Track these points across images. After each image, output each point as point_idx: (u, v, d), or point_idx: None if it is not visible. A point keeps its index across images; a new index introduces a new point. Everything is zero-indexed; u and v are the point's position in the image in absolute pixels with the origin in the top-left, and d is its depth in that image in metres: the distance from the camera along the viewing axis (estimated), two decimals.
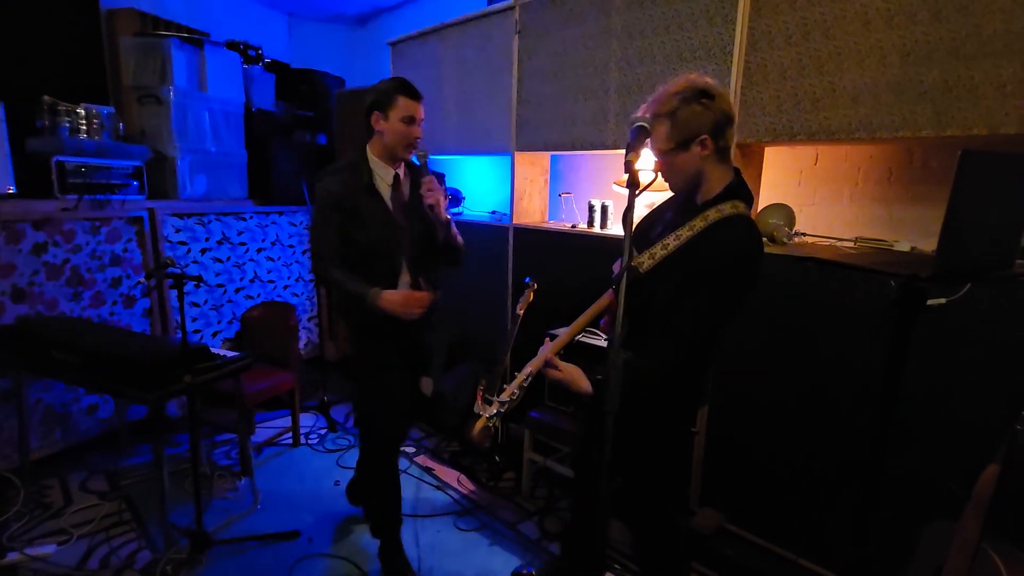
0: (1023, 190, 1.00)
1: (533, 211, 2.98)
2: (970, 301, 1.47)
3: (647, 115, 1.30)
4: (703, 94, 1.30)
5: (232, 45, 3.61)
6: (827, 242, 2.09)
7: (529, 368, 1.45)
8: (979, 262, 1.01)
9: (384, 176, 1.92)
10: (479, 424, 1.49)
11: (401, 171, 1.96)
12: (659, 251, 1.36)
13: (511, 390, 1.47)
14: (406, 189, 1.96)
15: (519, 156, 2.81)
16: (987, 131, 1.54)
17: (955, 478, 1.41)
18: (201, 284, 2.18)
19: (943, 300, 1.48)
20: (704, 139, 1.32)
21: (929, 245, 1.94)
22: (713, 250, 1.30)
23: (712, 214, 1.32)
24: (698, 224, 1.33)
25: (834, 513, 1.87)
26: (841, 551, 1.83)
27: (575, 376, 1.36)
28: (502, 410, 1.47)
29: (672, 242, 1.35)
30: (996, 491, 1.26)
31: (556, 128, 2.60)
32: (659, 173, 1.42)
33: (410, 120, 1.84)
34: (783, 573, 1.96)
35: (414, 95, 1.86)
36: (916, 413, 1.66)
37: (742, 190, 1.37)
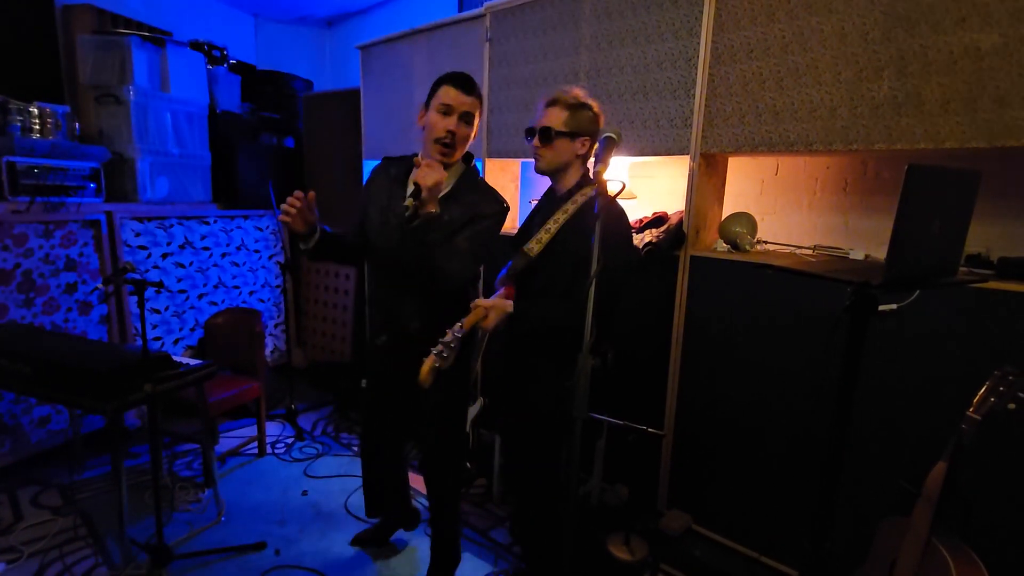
0: (965, 202, 1.07)
1: None
2: (918, 307, 1.55)
3: (549, 100, 1.60)
4: (593, 109, 1.63)
5: (196, 45, 3.53)
6: (787, 249, 2.17)
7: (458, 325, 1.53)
8: (926, 270, 1.06)
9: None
10: (427, 365, 1.48)
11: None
12: (543, 236, 1.57)
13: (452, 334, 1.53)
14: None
15: (490, 163, 2.82)
16: (932, 145, 1.63)
17: (906, 476, 1.48)
18: (162, 290, 2.13)
19: (894, 306, 1.56)
20: (586, 140, 1.61)
21: (882, 253, 2.01)
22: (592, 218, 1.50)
23: (579, 197, 1.61)
24: (570, 207, 1.59)
25: (795, 512, 1.93)
26: (801, 549, 1.89)
27: (502, 305, 1.55)
28: (445, 353, 1.49)
29: (552, 226, 1.57)
30: (943, 487, 1.33)
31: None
32: (538, 150, 1.64)
33: (446, 109, 1.63)
34: (749, 572, 2.01)
35: (460, 84, 1.64)
36: (870, 414, 1.73)
37: (591, 181, 1.63)
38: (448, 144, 1.63)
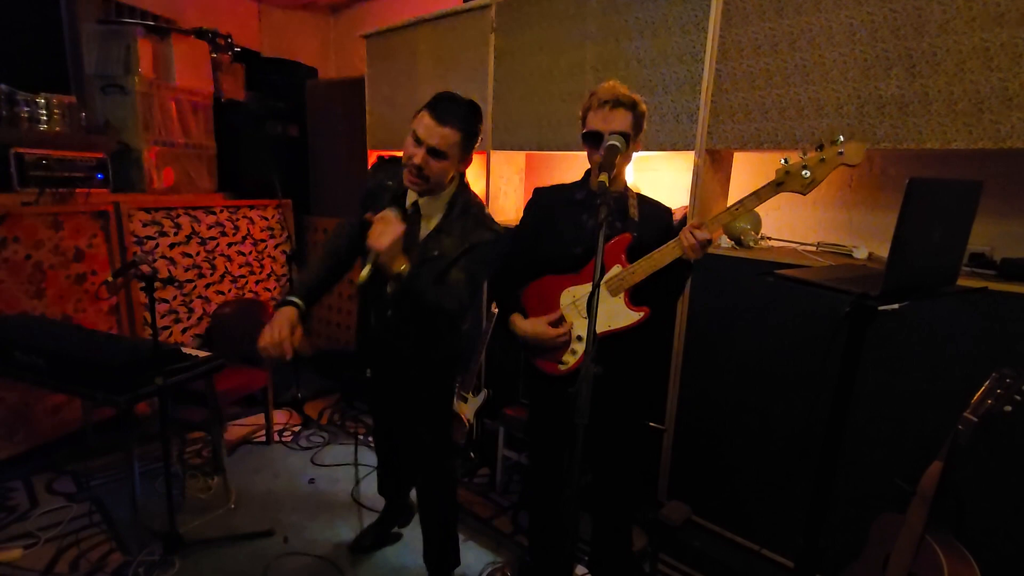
0: (965, 212, 1.07)
1: (508, 209, 3.00)
2: (919, 307, 1.56)
3: (609, 101, 1.45)
4: (642, 105, 1.51)
5: (200, 33, 3.51)
6: (791, 246, 2.17)
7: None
8: (925, 279, 1.08)
9: (411, 198, 1.61)
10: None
11: (422, 202, 1.59)
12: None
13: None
14: (416, 227, 1.61)
15: (495, 155, 2.82)
16: (939, 145, 1.62)
17: (903, 474, 1.50)
18: (171, 283, 2.15)
19: (895, 306, 1.57)
20: (640, 137, 1.52)
21: (885, 249, 2.02)
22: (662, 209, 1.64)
23: (633, 195, 1.60)
24: (633, 202, 1.58)
25: (794, 505, 1.96)
26: (795, 544, 1.93)
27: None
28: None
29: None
30: (938, 486, 1.36)
31: (531, 128, 2.62)
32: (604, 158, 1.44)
33: (417, 139, 1.46)
34: (747, 563, 2.05)
35: (436, 112, 1.45)
36: (869, 412, 1.75)
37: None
38: (413, 175, 1.50)
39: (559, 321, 1.55)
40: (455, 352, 1.80)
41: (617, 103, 1.45)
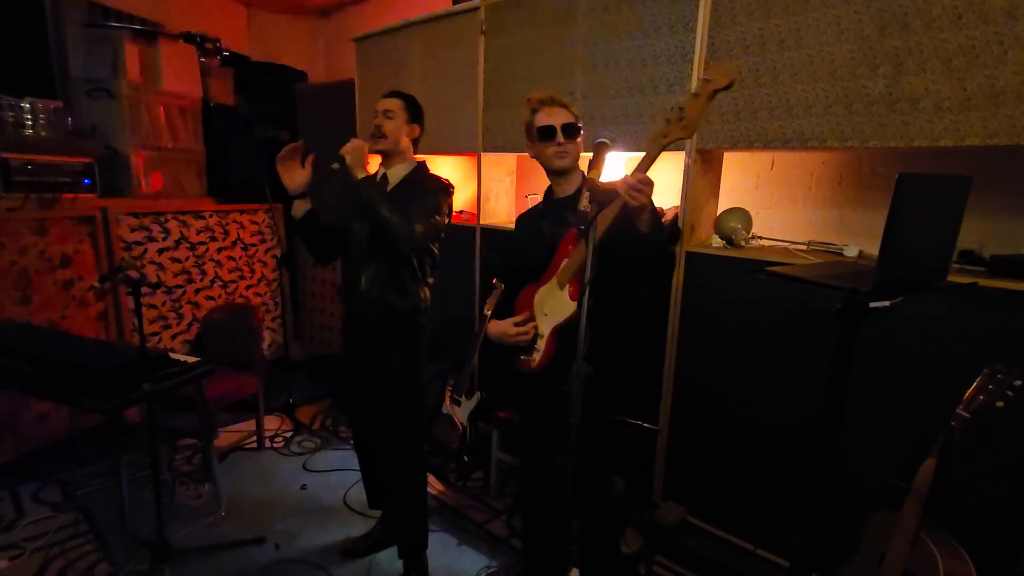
0: (955, 207, 1.08)
1: (500, 211, 2.99)
2: (911, 304, 1.56)
3: (544, 100, 1.61)
4: None
5: (188, 37, 3.49)
6: (782, 245, 2.17)
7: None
8: (916, 274, 1.08)
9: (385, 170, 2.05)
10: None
11: (386, 168, 2.01)
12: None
13: None
14: (385, 185, 2.01)
15: (486, 157, 2.81)
16: (927, 143, 1.63)
17: (897, 472, 1.50)
18: (158, 287, 2.12)
19: (887, 302, 1.57)
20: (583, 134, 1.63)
21: (876, 247, 2.03)
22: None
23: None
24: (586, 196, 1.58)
25: (789, 504, 1.96)
26: (790, 543, 1.93)
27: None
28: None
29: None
30: (933, 483, 1.36)
31: (522, 130, 2.61)
32: (562, 146, 1.60)
33: (376, 111, 1.98)
34: (743, 563, 2.04)
35: (384, 95, 2.02)
36: (863, 410, 1.75)
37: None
38: (375, 135, 1.97)
39: (526, 322, 1.64)
40: (412, 316, 2.01)
41: (554, 101, 1.63)
